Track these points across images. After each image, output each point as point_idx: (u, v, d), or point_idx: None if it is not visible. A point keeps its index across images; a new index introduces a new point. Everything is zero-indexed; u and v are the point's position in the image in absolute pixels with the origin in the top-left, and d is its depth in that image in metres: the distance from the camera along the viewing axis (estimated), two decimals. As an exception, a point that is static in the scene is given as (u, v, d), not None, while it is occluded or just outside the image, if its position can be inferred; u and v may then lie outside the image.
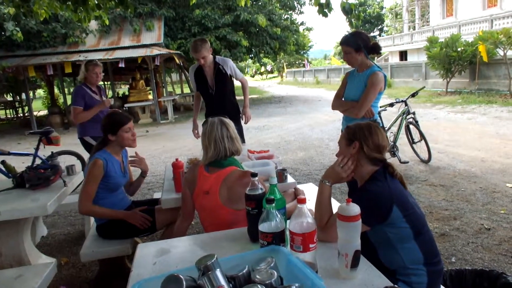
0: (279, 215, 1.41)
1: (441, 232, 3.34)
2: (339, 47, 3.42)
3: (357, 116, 2.90)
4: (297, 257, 1.23)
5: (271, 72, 54.71)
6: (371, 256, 1.49)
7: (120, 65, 12.29)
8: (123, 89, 30.95)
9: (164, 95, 15.98)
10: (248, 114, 3.92)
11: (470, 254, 2.94)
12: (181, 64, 15.67)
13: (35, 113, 14.58)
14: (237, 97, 4.13)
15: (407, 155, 5.89)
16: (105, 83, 19.65)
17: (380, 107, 4.18)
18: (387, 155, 5.48)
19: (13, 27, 10.93)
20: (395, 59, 27.90)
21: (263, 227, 1.39)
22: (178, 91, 22.92)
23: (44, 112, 18.51)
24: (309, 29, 23.85)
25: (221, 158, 2.00)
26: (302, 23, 21.76)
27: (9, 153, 4.43)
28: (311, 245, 1.30)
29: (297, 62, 45.37)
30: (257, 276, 1.09)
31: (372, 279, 1.31)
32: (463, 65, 13.66)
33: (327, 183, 1.68)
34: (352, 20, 4.25)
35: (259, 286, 1.04)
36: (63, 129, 13.33)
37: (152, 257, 1.59)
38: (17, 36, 10.05)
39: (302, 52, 31.23)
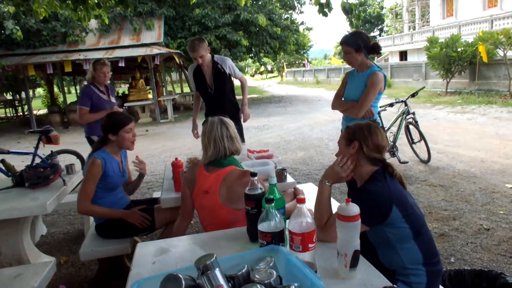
0: (278, 215, 1.41)
1: (441, 232, 3.35)
2: (339, 47, 3.44)
3: (357, 116, 2.90)
4: (296, 257, 1.23)
5: (271, 71, 54.79)
6: (370, 256, 1.49)
7: (120, 64, 12.30)
8: (123, 88, 31.00)
9: (164, 94, 15.98)
10: (246, 112, 3.90)
11: (469, 254, 2.95)
12: (181, 64, 15.69)
13: (34, 112, 14.66)
14: (237, 96, 4.12)
15: (407, 155, 5.90)
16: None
17: (380, 107, 4.18)
18: (387, 155, 5.48)
19: (13, 25, 10.94)
20: (395, 59, 27.91)
21: (262, 226, 1.39)
22: (178, 90, 22.94)
23: (43, 111, 18.60)
24: (309, 29, 23.90)
25: (220, 157, 2.00)
26: (302, 23, 21.81)
27: (8, 152, 4.41)
28: (310, 245, 1.30)
29: (297, 62, 45.41)
30: (256, 276, 1.09)
31: (371, 279, 1.31)
32: (463, 65, 13.66)
33: (326, 183, 1.68)
34: (353, 20, 4.28)
35: (258, 285, 1.04)
36: (63, 128, 13.36)
37: (151, 256, 1.59)
38: (17, 34, 10.06)
39: (302, 52, 31.28)
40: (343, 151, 1.70)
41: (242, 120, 3.96)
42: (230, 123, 2.07)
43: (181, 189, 2.25)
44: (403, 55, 27.46)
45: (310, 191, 2.83)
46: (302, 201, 1.34)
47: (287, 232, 1.38)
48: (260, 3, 17.45)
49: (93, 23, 13.42)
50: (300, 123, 10.76)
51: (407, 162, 5.56)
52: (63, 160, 3.79)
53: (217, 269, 1.11)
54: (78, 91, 22.54)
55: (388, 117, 5.90)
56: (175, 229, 2.19)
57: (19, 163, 3.76)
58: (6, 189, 2.78)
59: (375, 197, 1.55)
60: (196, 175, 2.08)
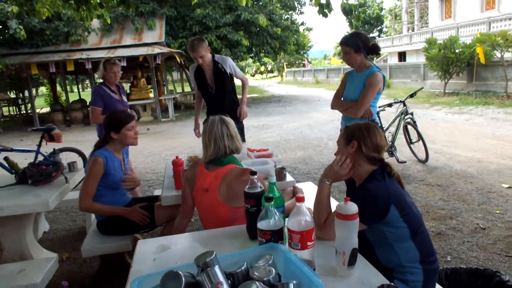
0: (277, 213, 1.42)
1: (437, 231, 3.37)
2: (339, 47, 3.43)
3: (356, 116, 2.91)
4: (295, 255, 1.24)
5: (271, 71, 54.76)
6: (368, 254, 1.50)
7: (121, 64, 12.31)
8: (124, 87, 30.87)
9: (165, 93, 15.98)
10: (244, 111, 3.87)
11: (465, 253, 2.98)
12: (182, 63, 15.68)
13: (37, 110, 14.72)
14: (239, 96, 4.11)
15: (405, 155, 5.93)
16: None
17: (379, 107, 4.22)
18: (385, 155, 5.41)
19: (17, 25, 11.02)
20: (394, 60, 27.96)
21: (261, 225, 1.40)
22: (179, 89, 22.94)
23: (46, 109, 18.64)
24: (309, 29, 23.92)
25: (220, 156, 2.01)
26: (302, 23, 21.82)
27: (12, 150, 4.42)
28: (309, 243, 1.30)
29: (297, 62, 45.41)
30: (256, 273, 1.09)
31: (369, 277, 1.32)
32: (461, 66, 13.74)
33: (326, 182, 1.69)
34: (352, 20, 4.32)
35: (257, 283, 1.04)
36: (65, 126, 13.45)
37: (152, 253, 1.60)
38: (20, 34, 10.13)
39: (302, 52, 31.30)
40: (342, 150, 1.71)
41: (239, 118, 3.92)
42: (231, 122, 2.08)
43: (182, 187, 2.26)
44: (402, 56, 27.51)
45: (309, 190, 2.85)
46: (301, 199, 1.34)
47: (286, 230, 1.38)
48: (260, 3, 17.45)
49: (95, 23, 13.43)
50: (300, 122, 10.78)
51: (405, 162, 5.59)
52: (65, 158, 3.82)
53: (217, 266, 1.11)
54: (81, 90, 22.68)
55: (386, 117, 5.92)
56: (175, 226, 2.20)
57: (22, 161, 3.74)
58: (9, 186, 2.79)
59: (374, 196, 1.56)
60: (196, 174, 2.09)
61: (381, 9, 48.38)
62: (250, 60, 31.01)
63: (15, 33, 10.87)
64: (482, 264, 2.79)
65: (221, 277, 1.08)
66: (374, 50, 2.95)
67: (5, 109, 18.72)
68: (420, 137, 5.58)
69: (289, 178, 2.65)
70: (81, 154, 5.49)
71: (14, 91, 19.06)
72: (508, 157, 5.64)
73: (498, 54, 12.45)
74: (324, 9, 3.75)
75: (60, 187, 2.72)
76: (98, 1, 4.89)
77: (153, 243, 1.71)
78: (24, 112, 18.18)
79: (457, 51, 13.46)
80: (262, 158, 2.92)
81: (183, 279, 1.07)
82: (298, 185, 2.67)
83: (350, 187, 1.98)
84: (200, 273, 1.11)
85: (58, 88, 20.09)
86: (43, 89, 25.49)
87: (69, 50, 13.14)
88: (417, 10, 30.88)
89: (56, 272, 2.34)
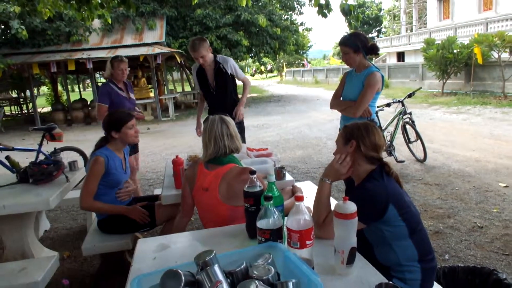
0: (276, 212, 1.42)
1: (435, 230, 3.39)
2: (338, 48, 3.45)
3: (354, 115, 2.92)
4: (294, 254, 1.25)
5: (271, 71, 54.75)
6: (366, 253, 1.51)
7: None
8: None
9: (166, 93, 16.02)
10: (239, 112, 3.80)
11: (463, 252, 3.00)
12: (182, 63, 15.72)
13: (39, 110, 14.78)
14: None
15: (403, 154, 5.96)
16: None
17: (378, 107, 4.19)
18: (384, 154, 5.38)
19: (19, 25, 11.08)
20: (392, 60, 28.02)
21: (261, 224, 1.40)
22: (179, 89, 22.96)
23: (47, 108, 18.62)
24: (308, 30, 23.92)
25: (220, 155, 2.02)
26: (301, 24, 21.81)
27: (13, 149, 4.43)
28: (308, 242, 1.31)
29: (296, 62, 45.46)
30: (255, 272, 1.10)
31: (367, 275, 1.33)
32: (459, 66, 13.81)
33: (327, 181, 1.69)
34: (351, 21, 4.14)
35: (256, 281, 1.04)
36: (66, 126, 13.52)
37: (152, 252, 1.60)
38: (22, 34, 10.17)
39: (301, 52, 31.35)
40: (341, 150, 1.71)
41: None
42: (231, 121, 2.08)
43: (182, 186, 2.26)
44: (400, 56, 27.59)
45: (308, 189, 2.86)
46: (300, 199, 1.34)
47: (285, 229, 1.39)
48: (260, 4, 17.47)
49: (96, 23, 13.47)
50: (299, 122, 10.81)
51: (403, 161, 5.61)
52: (66, 157, 3.83)
53: (216, 265, 1.12)
54: (82, 89, 22.69)
55: (385, 117, 5.90)
56: (175, 225, 2.21)
57: (24, 160, 3.77)
58: (10, 185, 2.80)
59: (372, 196, 1.57)
60: (196, 173, 2.09)
61: (380, 9, 48.53)
62: (250, 60, 31.06)
63: (17, 33, 10.91)
64: (480, 263, 2.81)
65: (220, 276, 1.09)
66: (373, 50, 2.96)
67: (7, 108, 18.72)
68: (418, 136, 5.60)
69: (288, 177, 2.66)
70: (82, 153, 5.51)
71: (16, 91, 19.13)
72: (505, 156, 5.68)
73: (495, 54, 12.52)
74: (323, 10, 3.76)
75: (61, 186, 2.73)
76: (99, 1, 4.89)
77: (153, 242, 1.72)
78: (26, 111, 18.25)
79: (455, 51, 13.53)
80: (261, 158, 2.92)
81: (183, 278, 1.07)
82: (297, 184, 2.68)
83: (349, 187, 1.99)
84: (199, 272, 1.12)
85: (59, 88, 20.18)
86: (44, 89, 25.50)
87: (70, 50, 13.21)
88: (415, 11, 31.00)
89: (57, 271, 2.35)
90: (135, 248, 1.65)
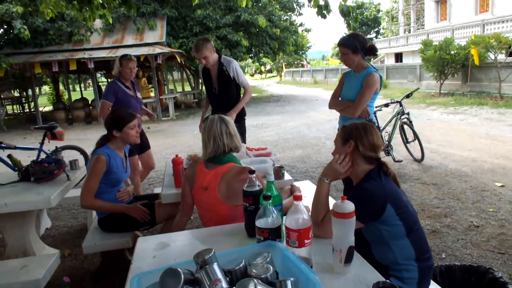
0: (275, 212, 1.42)
1: (432, 229, 3.41)
2: (337, 48, 3.42)
3: (353, 116, 2.93)
4: (292, 252, 1.25)
5: (270, 71, 54.75)
6: (364, 252, 1.51)
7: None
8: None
9: (166, 92, 15.98)
10: (231, 116, 3.62)
11: (459, 250, 3.02)
12: (183, 63, 15.71)
13: (40, 109, 14.79)
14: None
15: (401, 154, 5.98)
16: (108, 80, 19.87)
17: (376, 107, 4.23)
18: (382, 154, 5.32)
19: (21, 25, 11.19)
20: (390, 61, 28.14)
21: (260, 223, 1.41)
22: (179, 89, 22.96)
23: (49, 108, 18.66)
24: (307, 30, 23.94)
25: (220, 154, 2.02)
26: (301, 24, 21.75)
27: (15, 147, 4.43)
28: (306, 241, 1.31)
29: (295, 62, 45.52)
30: (253, 271, 1.10)
31: (365, 274, 1.33)
32: (456, 67, 13.91)
33: (325, 181, 1.70)
34: (350, 22, 4.12)
35: (255, 280, 1.04)
36: (67, 125, 13.58)
37: (151, 250, 1.60)
38: (25, 34, 10.26)
39: (300, 53, 31.34)
40: (339, 150, 1.72)
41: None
42: (230, 121, 2.09)
43: (181, 185, 2.26)
44: (398, 57, 27.71)
45: (307, 188, 2.88)
46: (299, 198, 1.35)
47: (283, 228, 1.39)
48: (260, 4, 17.52)
49: (97, 23, 13.48)
50: (298, 122, 10.83)
51: (401, 161, 5.65)
52: (67, 156, 3.84)
53: (215, 263, 1.12)
54: (83, 89, 22.70)
55: (383, 117, 6.00)
56: (175, 224, 2.21)
57: (25, 158, 3.77)
58: (12, 183, 2.80)
59: (370, 195, 1.58)
60: (196, 172, 2.09)
61: (378, 11, 48.69)
62: (249, 60, 31.07)
63: (19, 33, 11.01)
64: (476, 261, 2.83)
65: (219, 274, 1.09)
66: (372, 51, 2.97)
67: (9, 107, 18.73)
68: (416, 136, 5.63)
69: (287, 176, 2.67)
70: (82, 152, 5.52)
71: (18, 90, 19.16)
72: (502, 156, 5.73)
73: (492, 56, 12.62)
74: (322, 11, 3.76)
75: (62, 184, 2.74)
76: (101, 2, 4.91)
77: (153, 240, 1.72)
78: (28, 110, 18.26)
79: (452, 52, 13.63)
80: (260, 157, 2.92)
81: (182, 276, 1.07)
82: (296, 183, 2.68)
83: (347, 186, 2.00)
84: (199, 270, 1.12)
85: (61, 87, 20.20)
86: (46, 88, 25.49)
87: (72, 50, 13.29)
88: (413, 12, 31.12)
89: (57, 268, 2.36)
90: (135, 247, 1.66)
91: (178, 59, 13.95)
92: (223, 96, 3.76)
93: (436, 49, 14.00)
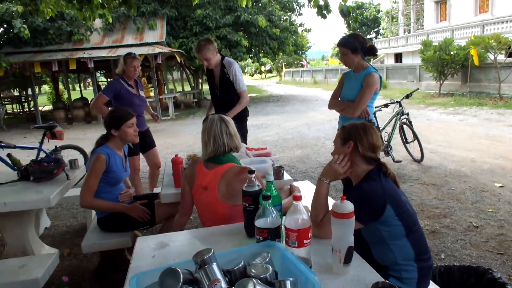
0: (275, 212, 1.42)
1: (432, 229, 3.42)
2: (337, 49, 3.40)
3: (352, 116, 2.93)
4: (291, 253, 1.25)
5: (270, 71, 54.77)
6: (363, 252, 1.51)
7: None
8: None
9: (166, 92, 16.04)
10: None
11: (458, 251, 3.02)
12: (183, 63, 15.72)
13: (40, 108, 14.84)
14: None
15: (401, 154, 5.98)
16: (108, 79, 19.88)
17: (376, 107, 4.28)
18: (381, 154, 5.33)
19: (21, 24, 11.23)
20: (390, 61, 28.15)
21: (259, 223, 1.41)
22: (179, 88, 22.98)
23: (49, 107, 18.70)
24: (307, 30, 23.98)
25: (220, 154, 2.02)
26: (301, 25, 21.80)
27: (14, 147, 4.43)
28: (305, 241, 1.31)
29: (295, 62, 45.55)
30: (253, 271, 1.10)
31: (364, 274, 1.33)
32: (456, 68, 13.93)
33: (325, 181, 1.70)
34: (350, 22, 4.30)
35: (254, 280, 1.04)
36: (67, 124, 13.61)
37: (151, 250, 1.60)
38: (24, 33, 10.28)
39: (300, 53, 31.38)
40: (338, 150, 1.72)
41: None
42: (230, 121, 2.09)
43: (181, 185, 2.26)
44: (398, 57, 27.73)
45: (306, 188, 2.88)
46: (298, 198, 1.35)
47: (283, 228, 1.39)
48: (260, 4, 17.54)
49: (97, 23, 13.55)
50: (298, 122, 10.85)
51: (401, 161, 5.65)
52: (67, 155, 3.87)
53: (215, 263, 1.12)
54: (82, 88, 22.76)
55: (383, 117, 5.99)
56: (174, 224, 2.21)
57: (25, 157, 3.76)
58: (11, 182, 2.80)
59: (370, 196, 1.58)
60: (195, 172, 2.10)
61: (378, 11, 48.72)
62: (249, 60, 31.07)
63: (19, 32, 11.04)
64: (475, 262, 2.83)
65: (218, 274, 1.09)
66: (371, 51, 2.98)
67: (8, 106, 18.76)
68: (415, 137, 5.64)
69: (286, 176, 2.67)
70: (82, 151, 5.53)
71: (17, 89, 19.23)
72: (501, 156, 5.74)
73: (491, 56, 12.64)
74: (322, 11, 3.77)
75: (62, 184, 2.74)
76: (100, 1, 4.91)
77: (152, 240, 1.72)
78: (27, 109, 18.30)
79: (451, 53, 13.65)
80: (260, 157, 2.92)
81: (181, 276, 1.07)
82: (296, 183, 2.69)
83: (347, 186, 2.00)
84: (198, 270, 1.12)
85: (61, 87, 20.27)
86: (46, 87, 25.56)
87: (71, 49, 13.31)
88: (413, 13, 31.17)
89: (57, 268, 2.36)
90: (135, 246, 1.66)
91: (178, 59, 13.98)
92: (224, 98, 3.76)
93: (435, 50, 14.02)
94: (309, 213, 1.64)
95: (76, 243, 3.45)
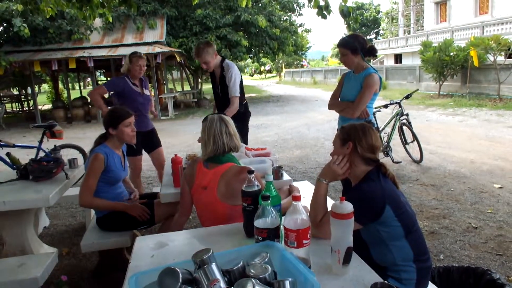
0: (274, 212, 1.42)
1: (431, 230, 3.42)
2: (337, 49, 3.41)
3: (352, 116, 2.93)
4: (291, 253, 1.25)
5: (270, 71, 54.79)
6: (362, 253, 1.51)
7: (123, 62, 12.39)
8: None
9: (165, 92, 16.05)
10: None
11: (457, 252, 3.03)
12: (182, 62, 15.73)
13: (39, 107, 14.88)
14: (246, 95, 3.93)
15: (400, 155, 6.00)
16: (107, 79, 19.86)
17: (375, 108, 4.26)
18: (381, 155, 5.47)
19: (21, 23, 11.22)
20: (390, 62, 28.17)
21: (258, 223, 1.41)
22: (178, 88, 22.94)
23: (48, 106, 18.68)
24: (307, 31, 23.96)
25: (219, 153, 2.02)
26: (301, 25, 21.80)
27: (14, 146, 4.44)
28: (304, 241, 1.31)
29: (295, 63, 45.56)
30: (252, 271, 1.10)
31: (363, 275, 1.34)
32: (455, 69, 13.95)
33: (324, 181, 1.70)
34: (350, 23, 4.29)
35: (253, 280, 1.04)
36: (66, 123, 13.62)
37: (150, 249, 1.60)
38: (24, 32, 10.27)
39: (300, 53, 31.40)
40: (337, 151, 1.72)
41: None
42: (230, 120, 2.10)
43: (180, 184, 2.26)
44: (398, 58, 27.76)
45: (305, 188, 2.88)
46: (298, 198, 1.35)
47: (282, 229, 1.39)
48: (260, 5, 17.56)
49: (97, 22, 13.56)
50: (297, 122, 10.86)
51: (400, 162, 5.66)
52: (66, 154, 3.86)
53: (214, 263, 1.12)
54: (82, 88, 22.77)
55: (382, 118, 5.98)
56: (173, 223, 2.21)
57: (24, 156, 3.75)
58: (10, 181, 2.80)
59: (369, 196, 1.58)
60: (195, 172, 2.10)
61: (378, 12, 48.79)
62: (249, 60, 31.08)
63: (19, 31, 11.03)
64: (474, 263, 2.84)
65: (217, 274, 1.09)
66: (371, 52, 2.98)
67: (8, 105, 18.78)
68: (415, 137, 5.65)
69: (286, 177, 2.67)
70: (81, 150, 5.53)
71: (17, 88, 19.25)
72: (500, 158, 5.76)
73: (491, 57, 12.67)
74: (323, 11, 3.76)
75: (61, 183, 2.74)
76: (101, 0, 4.90)
77: (151, 239, 1.72)
78: (27, 108, 18.33)
79: (451, 54, 13.67)
80: (259, 157, 2.92)
81: (180, 276, 1.07)
82: (295, 184, 2.69)
83: (346, 187, 2.00)
84: (197, 270, 1.12)
85: (60, 86, 20.27)
86: (45, 86, 25.55)
87: (71, 48, 13.31)
88: (413, 14, 31.21)
89: (55, 267, 2.36)
90: (134, 246, 1.65)
91: (178, 59, 13.99)
92: (225, 97, 3.77)
93: (435, 51, 14.06)
94: (308, 214, 1.64)
95: (75, 242, 3.46)
